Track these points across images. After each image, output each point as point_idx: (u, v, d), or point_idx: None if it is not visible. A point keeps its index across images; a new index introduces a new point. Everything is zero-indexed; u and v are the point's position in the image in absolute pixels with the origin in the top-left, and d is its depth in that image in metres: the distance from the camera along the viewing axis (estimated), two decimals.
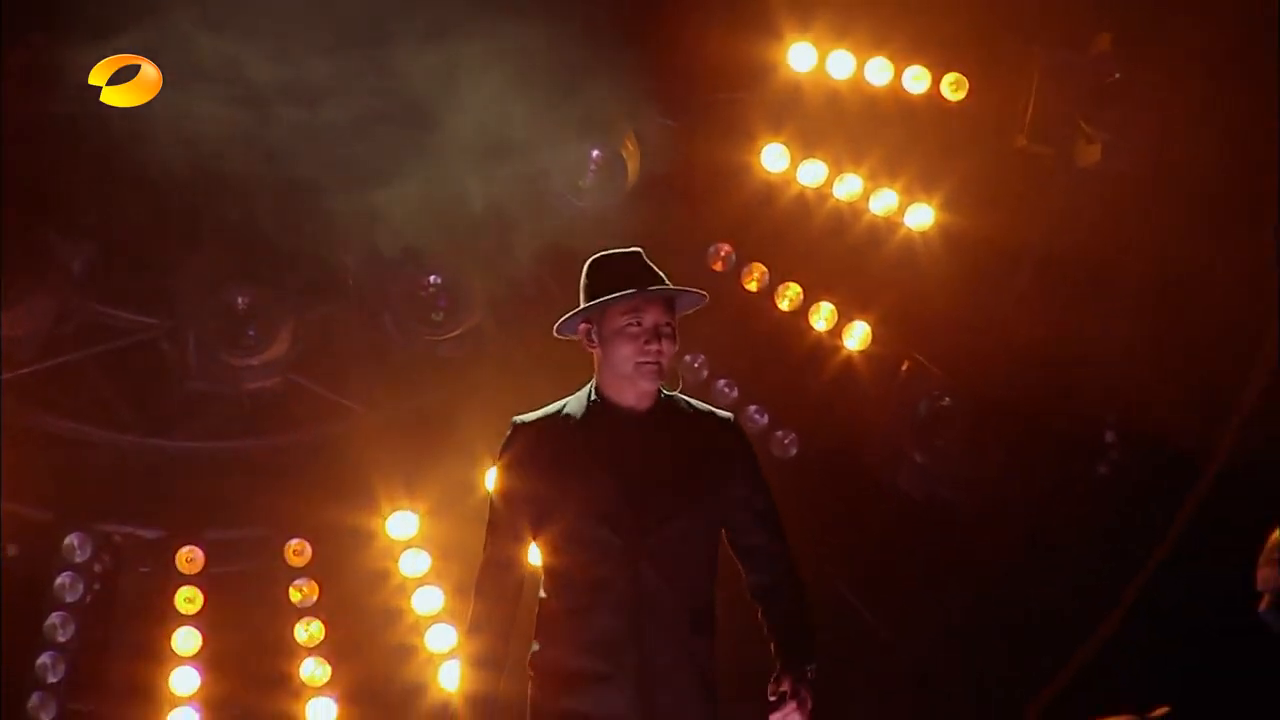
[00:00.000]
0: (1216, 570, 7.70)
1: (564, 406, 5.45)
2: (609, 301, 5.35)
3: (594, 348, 5.43)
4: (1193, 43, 8.55)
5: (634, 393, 5.37)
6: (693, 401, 5.50)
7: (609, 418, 5.38)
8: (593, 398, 5.42)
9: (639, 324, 5.33)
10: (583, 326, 5.42)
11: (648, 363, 5.32)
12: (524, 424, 5.44)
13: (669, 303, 5.41)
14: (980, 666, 8.75)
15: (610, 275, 5.41)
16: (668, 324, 5.37)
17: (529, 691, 5.38)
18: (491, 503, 5.47)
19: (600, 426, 5.37)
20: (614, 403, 5.39)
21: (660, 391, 5.42)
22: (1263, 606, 6.17)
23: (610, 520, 5.29)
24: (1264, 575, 6.20)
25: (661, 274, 5.42)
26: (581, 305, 5.43)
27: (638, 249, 5.49)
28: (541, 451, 5.38)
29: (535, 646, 5.38)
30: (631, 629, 5.28)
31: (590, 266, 5.48)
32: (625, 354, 5.33)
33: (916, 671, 8.80)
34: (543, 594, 5.43)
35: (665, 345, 5.34)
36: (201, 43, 8.02)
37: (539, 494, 5.37)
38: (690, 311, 5.51)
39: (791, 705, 5.23)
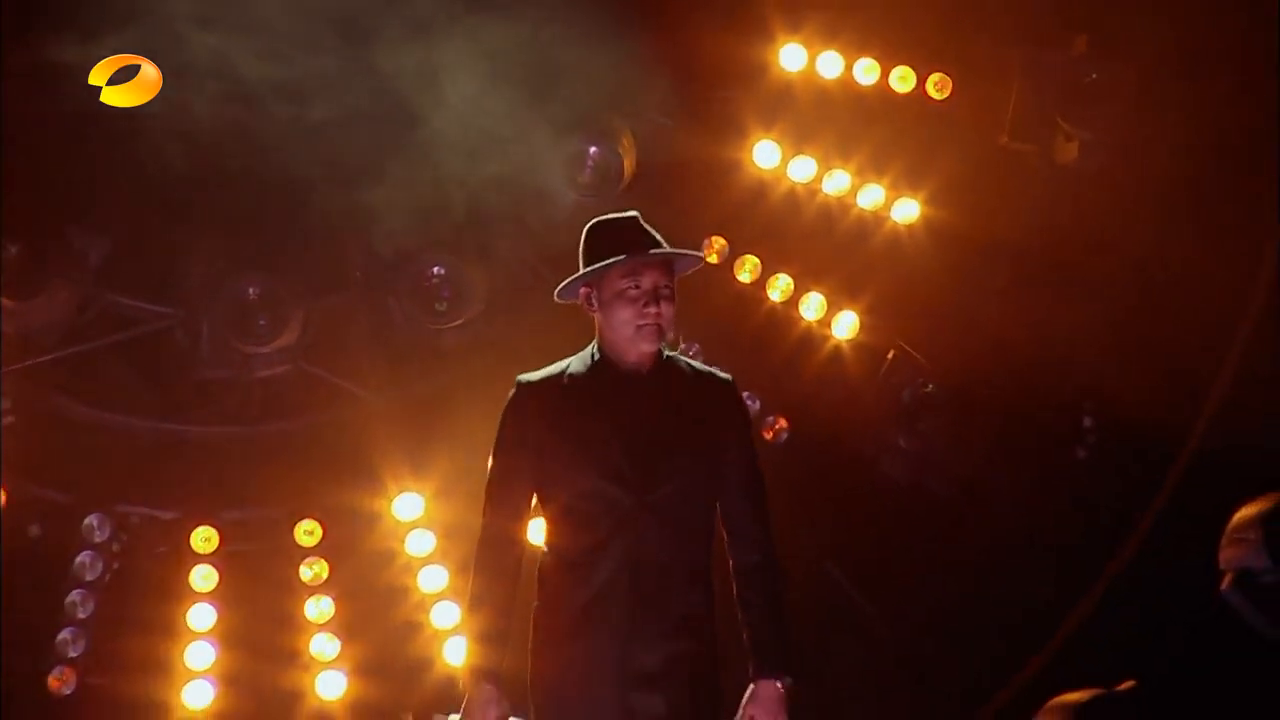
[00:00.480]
0: (1188, 549, 7.78)
1: (568, 366, 5.45)
2: (608, 266, 5.35)
3: (594, 311, 5.42)
4: (1165, 43, 8.65)
5: (635, 354, 5.37)
6: (692, 363, 5.51)
7: (611, 377, 5.39)
8: (595, 357, 5.42)
9: (638, 287, 5.33)
10: (583, 290, 5.42)
11: (647, 325, 5.32)
12: (529, 382, 5.45)
13: (667, 265, 5.39)
14: (961, 641, 8.80)
15: (609, 239, 5.40)
16: (666, 286, 5.36)
17: (529, 644, 5.41)
18: (491, 474, 5.46)
19: (603, 386, 5.38)
20: (615, 364, 5.39)
21: (661, 353, 5.42)
22: (1225, 586, 6.24)
23: (614, 477, 5.30)
24: (1226, 555, 6.14)
25: (659, 237, 5.43)
26: (581, 270, 5.43)
27: (635, 213, 5.49)
28: (546, 408, 5.39)
29: (537, 602, 5.41)
30: (631, 585, 5.29)
31: (589, 231, 5.47)
32: (625, 317, 5.33)
33: (899, 644, 8.86)
34: (545, 549, 5.44)
35: (664, 307, 5.33)
36: (207, 41, 8.03)
37: (543, 449, 5.37)
38: (689, 273, 5.49)
39: None
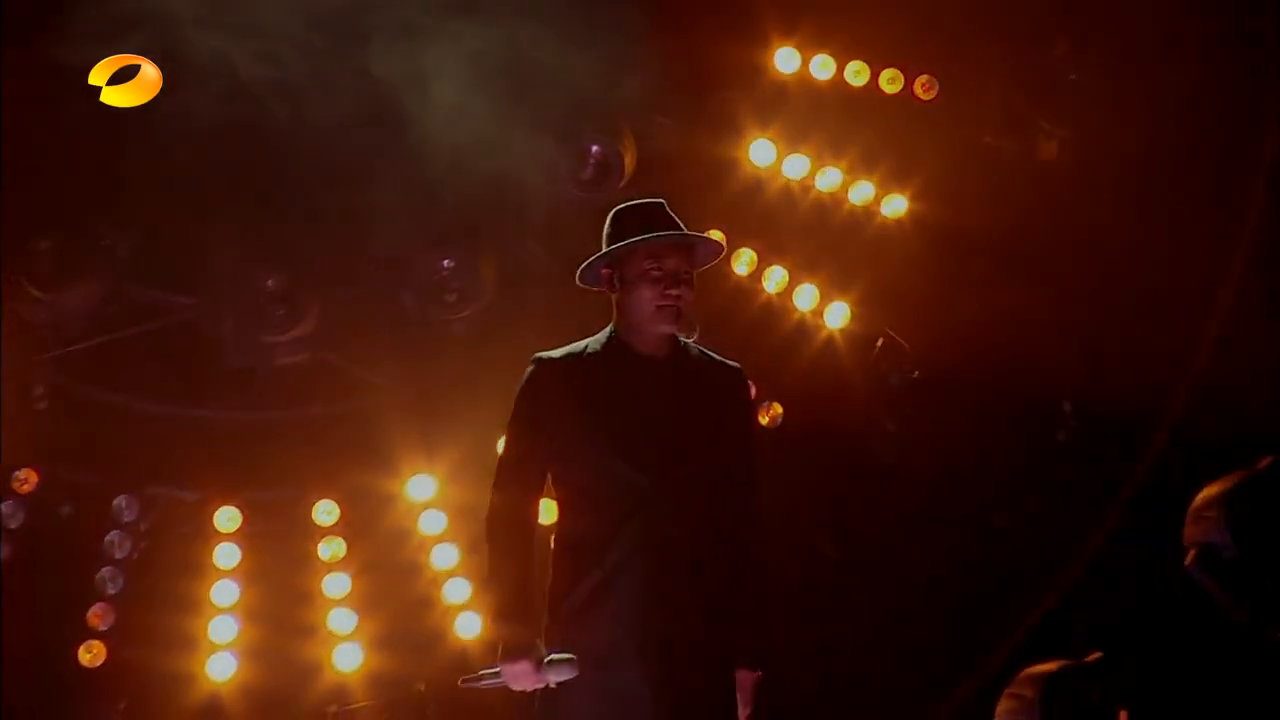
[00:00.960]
0: (1162, 529, 7.79)
1: (586, 346, 5.44)
2: (634, 244, 5.37)
3: (615, 292, 5.41)
4: (1143, 42, 8.81)
5: (653, 336, 5.38)
6: (704, 349, 5.54)
7: (628, 360, 5.38)
8: (612, 340, 5.42)
9: (660, 269, 5.34)
10: (604, 271, 5.42)
11: (668, 305, 5.33)
12: (547, 359, 5.43)
13: (688, 252, 5.43)
14: (945, 616, 8.87)
15: (635, 222, 5.42)
16: (687, 271, 5.37)
17: (543, 622, 5.36)
18: (505, 452, 5.40)
19: (621, 369, 5.37)
20: (632, 347, 5.40)
21: (676, 338, 5.44)
22: (1188, 561, 6.50)
23: (631, 458, 5.29)
24: (1190, 533, 6.46)
25: (682, 224, 5.47)
26: (604, 251, 5.44)
27: (660, 199, 5.52)
28: (565, 387, 5.36)
29: (550, 579, 5.39)
30: (643, 567, 5.27)
31: (614, 215, 5.49)
32: (646, 297, 5.34)
33: (886, 619, 8.89)
34: (556, 529, 5.43)
35: (685, 290, 5.34)
36: (227, 44, 8.11)
37: (560, 426, 5.34)
38: (707, 267, 5.53)
39: None
